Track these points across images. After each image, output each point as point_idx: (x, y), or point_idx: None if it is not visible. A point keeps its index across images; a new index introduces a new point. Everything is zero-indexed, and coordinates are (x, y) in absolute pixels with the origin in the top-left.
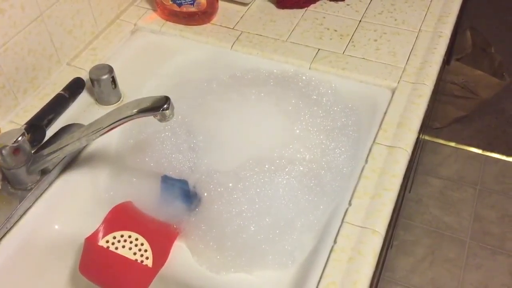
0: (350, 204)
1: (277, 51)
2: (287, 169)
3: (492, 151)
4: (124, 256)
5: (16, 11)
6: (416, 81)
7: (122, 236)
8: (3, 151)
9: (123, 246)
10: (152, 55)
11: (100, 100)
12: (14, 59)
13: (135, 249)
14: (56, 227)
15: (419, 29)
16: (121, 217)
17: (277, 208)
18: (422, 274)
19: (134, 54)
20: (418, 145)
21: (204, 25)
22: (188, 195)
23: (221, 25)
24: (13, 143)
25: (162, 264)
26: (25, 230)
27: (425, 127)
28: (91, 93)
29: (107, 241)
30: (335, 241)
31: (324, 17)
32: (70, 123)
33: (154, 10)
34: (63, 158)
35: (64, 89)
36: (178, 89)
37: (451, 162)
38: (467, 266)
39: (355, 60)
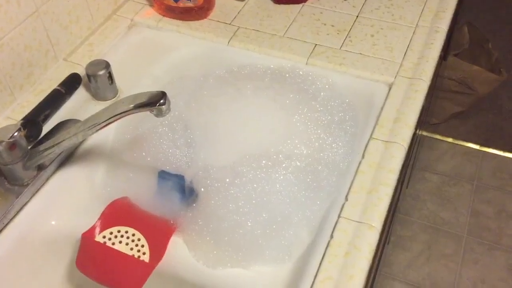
0: (346, 199)
1: (274, 46)
2: (284, 165)
3: (489, 146)
4: (121, 252)
5: (12, 7)
6: (413, 76)
7: (119, 231)
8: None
9: (120, 242)
10: (149, 51)
11: (96, 95)
12: (10, 54)
13: (132, 245)
14: (53, 222)
15: (416, 24)
16: (118, 213)
17: (274, 203)
18: (419, 270)
19: (131, 50)
20: (415, 141)
21: (201, 21)
22: (185, 191)
23: (218, 21)
24: (9, 139)
25: (159, 260)
26: (21, 226)
27: (422, 123)
28: (88, 88)
29: (104, 237)
30: (331, 236)
31: (321, 13)
32: (66, 119)
33: (151, 6)
34: (60, 154)
35: (61, 85)
36: (175, 85)
37: (448, 157)
38: (464, 262)
39: (352, 55)
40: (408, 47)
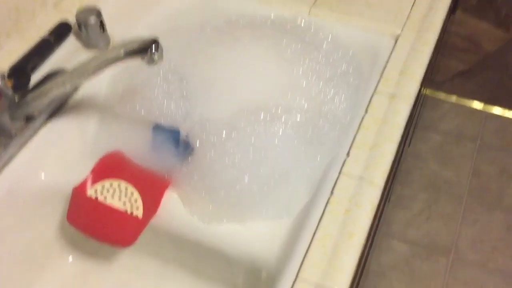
0: (348, 155)
1: None
2: (283, 119)
3: (493, 106)
4: (113, 207)
5: None
6: (420, 29)
7: (111, 185)
8: None
9: (112, 196)
10: None
11: (87, 44)
12: None
13: (124, 199)
14: (43, 176)
15: None
16: (111, 166)
17: (272, 158)
18: (418, 228)
19: None
20: (419, 99)
21: None
22: (180, 144)
23: None
24: None
25: (153, 215)
26: (9, 179)
27: (426, 80)
28: (79, 37)
29: (96, 191)
30: (331, 193)
31: None
32: (56, 68)
33: None
34: (49, 105)
35: (50, 34)
36: (170, 34)
37: (451, 116)
38: (464, 221)
39: (358, 6)
40: None
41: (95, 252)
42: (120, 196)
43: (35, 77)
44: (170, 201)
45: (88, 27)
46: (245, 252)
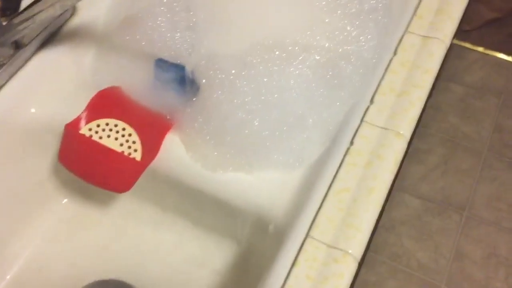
0: (372, 101)
1: None
2: (301, 58)
3: None
4: (109, 147)
5: None
6: None
7: (107, 124)
8: None
9: (108, 136)
10: None
11: None
12: None
13: (121, 140)
14: (33, 110)
15: None
16: (107, 104)
17: (286, 101)
18: (432, 183)
19: None
20: None
21: None
22: (185, 82)
23: None
24: None
25: (152, 158)
26: None
27: None
28: None
29: (90, 129)
30: (351, 143)
31: None
32: None
33: None
34: (41, 32)
35: None
36: None
37: (476, 68)
38: (481, 178)
39: None
40: None
41: (90, 195)
42: (117, 136)
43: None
44: (172, 144)
45: None
46: (251, 203)
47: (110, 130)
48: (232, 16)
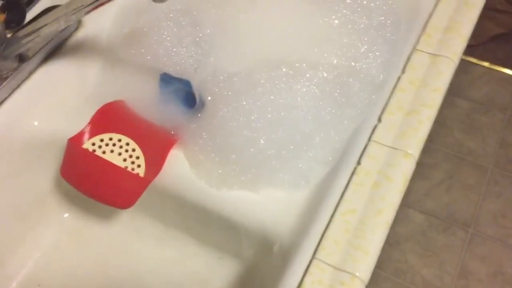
0: (380, 120)
1: None
2: (308, 75)
3: None
4: (112, 162)
5: None
6: None
7: (111, 139)
8: None
9: (112, 151)
10: None
11: None
12: None
13: (125, 155)
14: (36, 123)
15: None
16: (111, 118)
17: (293, 119)
18: (437, 199)
19: None
20: None
21: None
22: (190, 98)
23: None
24: None
25: (156, 174)
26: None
27: None
28: None
29: (93, 144)
30: (358, 162)
31: None
32: (55, 4)
33: None
34: (46, 45)
35: None
36: None
37: (482, 83)
38: (487, 194)
39: None
40: None
41: (92, 209)
42: (120, 151)
43: (32, 13)
44: (176, 160)
45: None
46: (256, 222)
47: (114, 145)
48: (238, 32)
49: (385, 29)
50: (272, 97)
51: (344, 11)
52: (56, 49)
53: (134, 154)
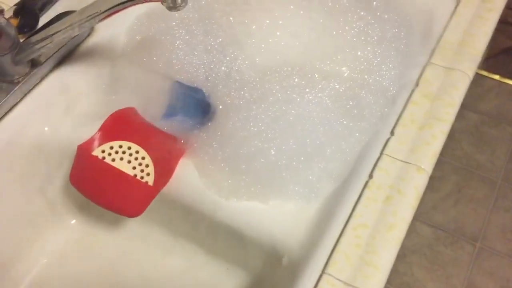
0: (392, 133)
1: None
2: (320, 86)
3: None
4: (121, 170)
5: None
6: None
7: (120, 146)
8: None
9: (121, 159)
10: None
11: None
12: None
13: (134, 163)
14: (46, 129)
15: None
16: (121, 125)
17: (304, 130)
18: (444, 212)
19: None
20: None
21: None
22: (201, 107)
23: None
24: None
25: (165, 183)
26: (10, 129)
27: None
28: None
29: (103, 151)
30: (370, 176)
31: None
32: (68, 9)
33: None
34: (58, 50)
35: None
36: None
37: (492, 96)
38: (495, 208)
39: None
40: None
41: (100, 216)
42: (130, 159)
43: (46, 18)
44: (185, 170)
45: None
46: (265, 233)
47: (123, 152)
48: (251, 41)
49: (398, 41)
50: (283, 107)
51: (358, 22)
52: (68, 55)
53: (144, 163)
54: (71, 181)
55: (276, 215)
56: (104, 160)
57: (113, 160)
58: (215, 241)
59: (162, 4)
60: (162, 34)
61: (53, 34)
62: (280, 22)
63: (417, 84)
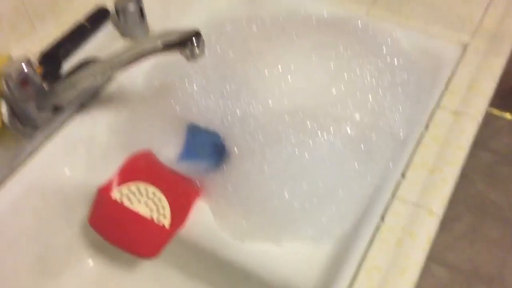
0: (403, 176)
1: None
2: (332, 129)
3: None
4: (139, 213)
5: None
6: (494, 36)
7: (138, 189)
8: (9, 81)
9: (139, 201)
10: None
11: (125, 33)
12: None
13: (151, 205)
14: (67, 172)
15: None
16: (139, 167)
17: (316, 173)
18: (460, 253)
19: None
20: None
21: None
22: (217, 150)
23: None
24: (19, 73)
25: (180, 225)
26: (32, 173)
27: None
28: (116, 25)
29: (121, 193)
30: (382, 219)
31: None
32: (90, 57)
33: None
34: (79, 96)
35: (86, 19)
36: (214, 28)
37: (504, 134)
38: None
39: (422, 8)
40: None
41: (117, 258)
42: (147, 201)
43: (68, 65)
44: (200, 212)
45: (126, 14)
46: (279, 275)
47: (141, 194)
48: (264, 87)
49: (408, 86)
50: (296, 150)
51: (369, 66)
52: (89, 100)
53: (160, 204)
54: (89, 222)
55: (290, 257)
56: (123, 203)
57: (131, 201)
58: (229, 283)
59: (180, 54)
60: (179, 79)
61: (78, 83)
62: (293, 67)
63: (426, 128)
